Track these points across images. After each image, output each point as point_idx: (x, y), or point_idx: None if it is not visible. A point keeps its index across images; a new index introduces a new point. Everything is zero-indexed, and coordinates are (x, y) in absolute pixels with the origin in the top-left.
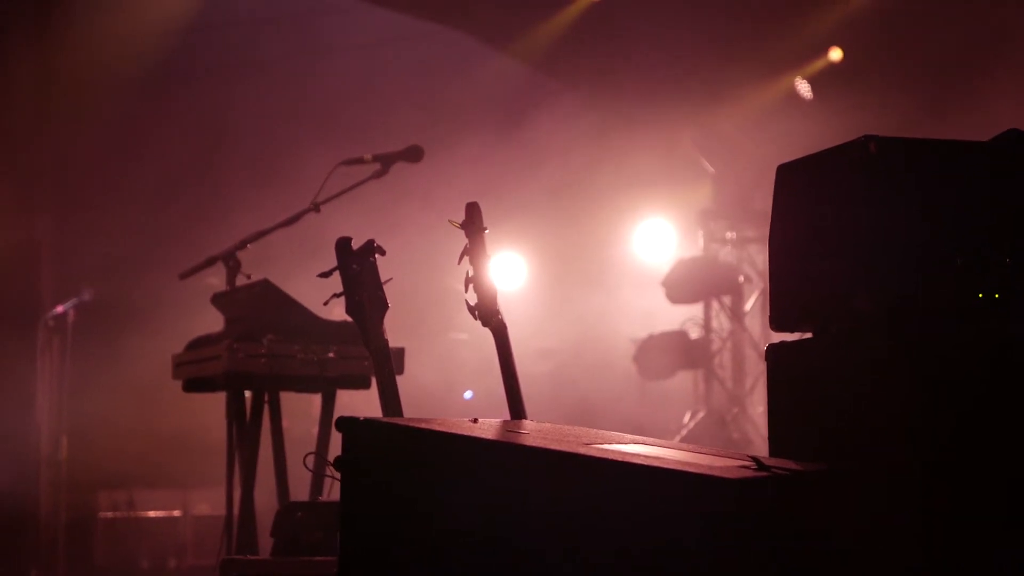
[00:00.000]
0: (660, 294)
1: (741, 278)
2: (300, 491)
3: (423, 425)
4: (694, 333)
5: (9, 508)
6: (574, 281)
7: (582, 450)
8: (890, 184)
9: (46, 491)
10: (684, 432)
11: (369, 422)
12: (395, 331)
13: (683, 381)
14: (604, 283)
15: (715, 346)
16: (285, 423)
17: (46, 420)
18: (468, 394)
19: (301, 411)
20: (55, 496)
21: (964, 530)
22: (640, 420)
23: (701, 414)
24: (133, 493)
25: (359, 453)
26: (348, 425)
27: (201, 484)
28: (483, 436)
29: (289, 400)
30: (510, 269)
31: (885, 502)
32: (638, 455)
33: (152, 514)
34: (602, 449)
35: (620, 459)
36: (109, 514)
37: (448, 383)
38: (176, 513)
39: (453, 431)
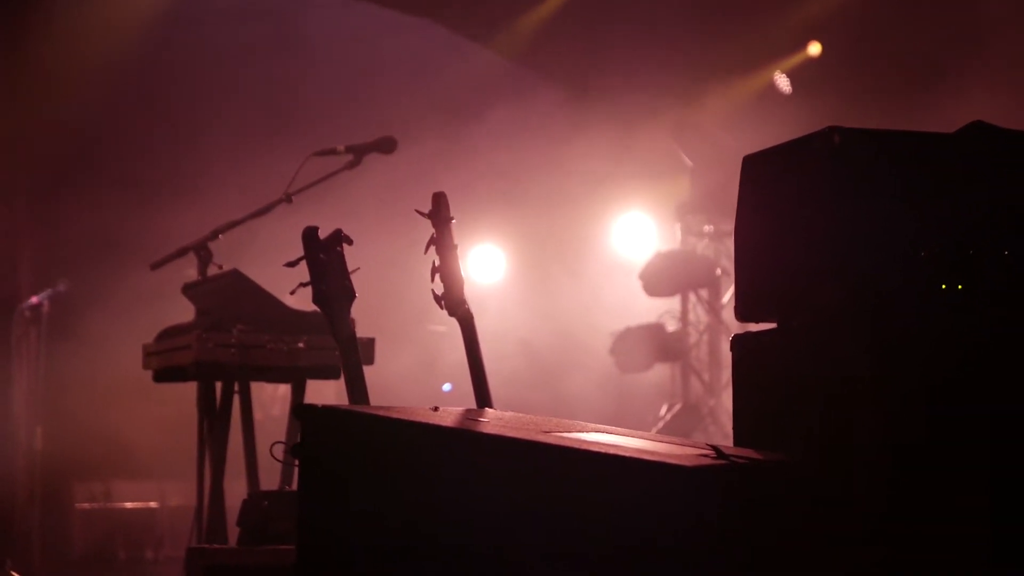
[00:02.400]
0: (638, 287)
1: (718, 271)
2: (272, 481)
3: (380, 413)
4: (671, 326)
5: None
6: (553, 274)
7: (538, 438)
8: (854, 175)
9: (22, 482)
10: (660, 424)
11: (327, 410)
12: (373, 323)
13: (660, 374)
14: (583, 276)
15: (692, 339)
16: (258, 415)
17: (22, 411)
18: (447, 386)
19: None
20: (31, 487)
21: (927, 520)
22: (617, 412)
23: (678, 406)
24: (110, 484)
25: (317, 441)
26: (306, 413)
27: (178, 475)
28: (440, 424)
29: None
30: (489, 262)
31: (847, 493)
32: (596, 443)
33: (129, 505)
34: (559, 437)
35: (576, 447)
36: (86, 505)
37: (427, 375)
38: (153, 504)
39: (410, 419)
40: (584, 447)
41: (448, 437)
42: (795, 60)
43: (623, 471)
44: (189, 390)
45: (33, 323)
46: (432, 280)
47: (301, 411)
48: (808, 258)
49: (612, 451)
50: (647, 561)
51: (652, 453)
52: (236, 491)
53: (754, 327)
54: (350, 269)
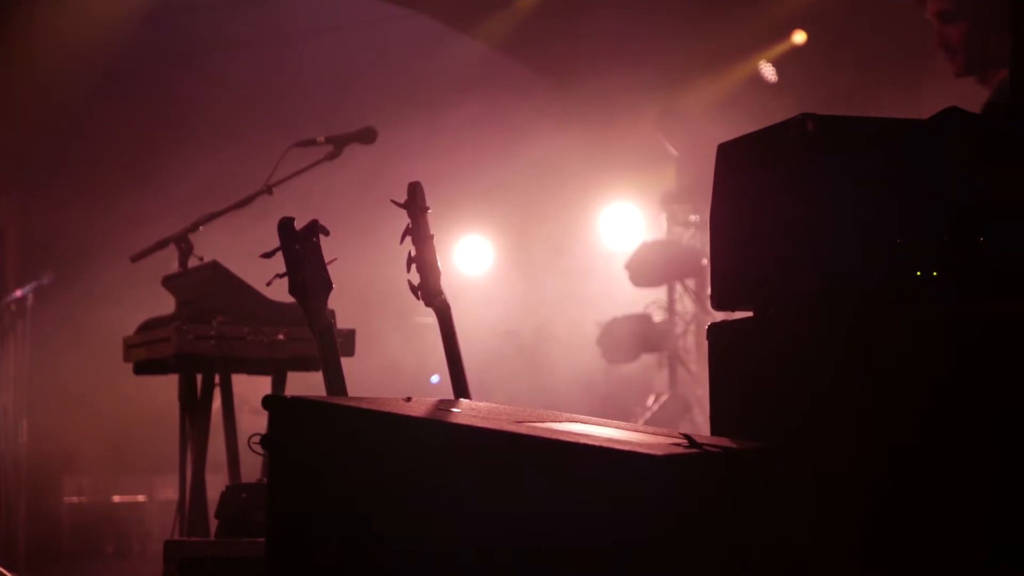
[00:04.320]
0: (624, 277)
1: (704, 261)
2: (254, 473)
3: (349, 403)
4: (657, 316)
5: None
6: (540, 265)
7: (507, 427)
8: (828, 162)
9: (8, 475)
10: (647, 415)
11: (295, 400)
12: (359, 314)
13: (647, 364)
14: (569, 267)
15: (679, 329)
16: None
17: (9, 404)
18: (435, 378)
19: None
20: (17, 480)
21: (905, 510)
22: (604, 403)
23: (665, 397)
24: (97, 478)
25: (286, 432)
26: (274, 403)
27: (166, 469)
28: (409, 414)
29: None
30: (476, 253)
31: (824, 481)
32: (566, 433)
33: (117, 499)
34: (529, 427)
35: (545, 436)
36: (74, 499)
37: (414, 367)
38: (141, 498)
39: (379, 409)
40: (553, 436)
41: (417, 427)
42: (780, 48)
43: (591, 460)
44: (174, 384)
45: (18, 316)
46: (408, 271)
47: (269, 402)
48: (783, 246)
49: (581, 440)
50: (619, 552)
51: (622, 442)
52: (220, 484)
53: (732, 316)
54: (327, 260)
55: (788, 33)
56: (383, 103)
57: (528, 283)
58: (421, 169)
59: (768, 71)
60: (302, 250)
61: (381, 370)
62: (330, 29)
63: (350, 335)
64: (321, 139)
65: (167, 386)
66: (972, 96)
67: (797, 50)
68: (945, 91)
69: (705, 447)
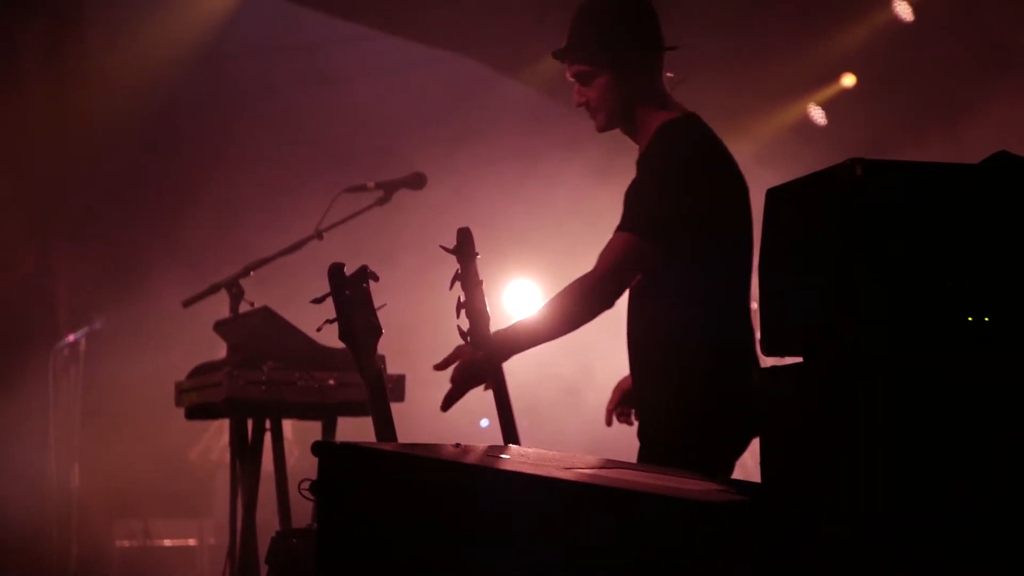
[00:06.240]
0: None
1: (754, 305)
2: (305, 518)
3: (399, 449)
4: None
5: (22, 538)
6: None
7: (557, 474)
8: (877, 207)
9: (59, 520)
10: None
11: (344, 446)
12: (410, 359)
13: None
14: (617, 309)
15: None
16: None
17: (60, 449)
18: (484, 422)
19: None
20: (69, 525)
21: (947, 559)
22: None
23: None
24: (148, 522)
25: (335, 478)
26: (324, 449)
27: (217, 512)
28: (459, 460)
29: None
30: (525, 296)
31: (868, 529)
32: (617, 480)
33: (167, 542)
34: (579, 473)
35: (596, 483)
36: (124, 543)
37: (462, 412)
38: (191, 542)
39: (429, 455)
40: (604, 483)
41: (467, 474)
42: (830, 92)
43: (643, 507)
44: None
45: (70, 361)
46: (458, 316)
47: (319, 448)
48: (832, 291)
49: (632, 487)
50: None
51: (673, 489)
52: (272, 529)
53: (782, 361)
54: (377, 305)
55: (837, 76)
56: (432, 147)
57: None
58: (471, 214)
59: (818, 115)
60: (352, 296)
61: (430, 415)
62: (378, 71)
63: (400, 380)
64: (371, 184)
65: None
66: (1018, 139)
67: (847, 93)
68: (990, 134)
69: (753, 495)
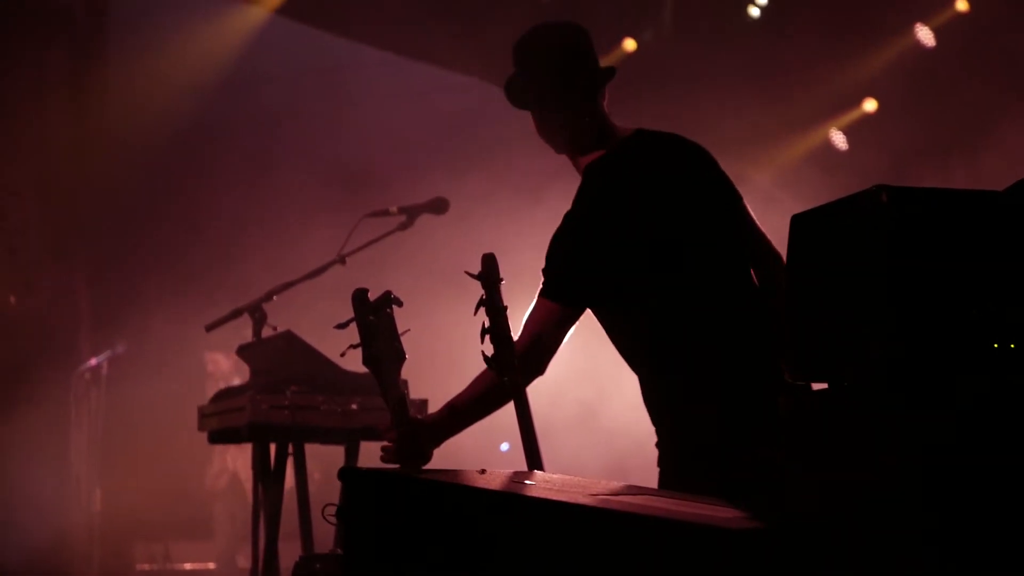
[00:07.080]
0: None
1: None
2: (327, 543)
3: (424, 476)
4: None
5: (44, 561)
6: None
7: (583, 500)
8: (902, 234)
9: (81, 543)
10: None
11: (370, 472)
12: (433, 384)
13: None
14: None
15: None
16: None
17: (82, 472)
18: (505, 446)
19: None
20: (90, 548)
21: None
22: None
23: None
24: (168, 545)
25: (361, 504)
26: (349, 475)
27: (237, 536)
28: (485, 487)
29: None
30: None
31: (897, 557)
32: (642, 506)
33: (188, 566)
34: (604, 500)
35: (621, 510)
36: (145, 566)
37: (484, 436)
38: (211, 565)
39: (454, 482)
40: (629, 510)
41: (493, 500)
42: (851, 117)
43: (667, 535)
44: (247, 452)
45: (92, 384)
46: (482, 342)
47: (344, 474)
48: (857, 317)
49: (658, 514)
50: None
51: (695, 516)
52: (294, 553)
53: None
54: (400, 331)
55: (859, 101)
56: (455, 172)
57: (598, 350)
58: (493, 239)
59: (839, 139)
60: (376, 321)
61: (452, 439)
62: (399, 98)
63: (423, 405)
64: (394, 209)
65: (240, 454)
66: None
67: (868, 118)
68: (1011, 159)
69: (778, 522)
